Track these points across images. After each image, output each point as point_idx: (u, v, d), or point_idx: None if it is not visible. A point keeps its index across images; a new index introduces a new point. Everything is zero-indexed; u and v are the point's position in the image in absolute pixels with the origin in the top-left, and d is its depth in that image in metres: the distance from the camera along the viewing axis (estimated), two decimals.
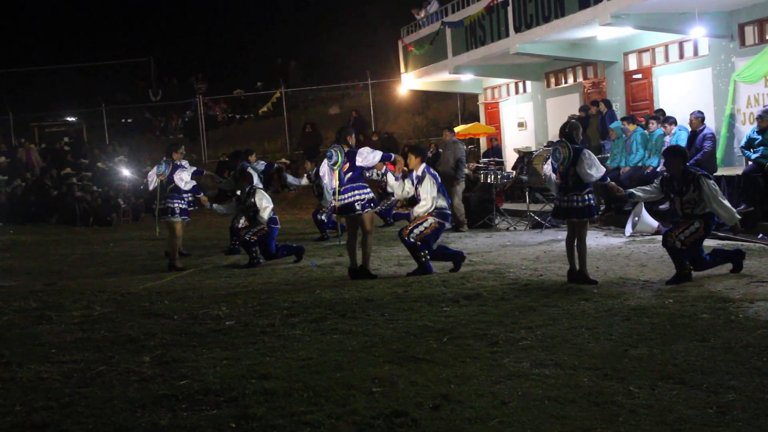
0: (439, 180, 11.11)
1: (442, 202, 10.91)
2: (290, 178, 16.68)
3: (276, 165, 16.91)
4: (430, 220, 10.78)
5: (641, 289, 8.87)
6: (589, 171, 9.33)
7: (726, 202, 9.09)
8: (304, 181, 16.57)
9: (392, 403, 5.27)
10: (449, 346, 6.76)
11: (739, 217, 9.22)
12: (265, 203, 12.69)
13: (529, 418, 4.92)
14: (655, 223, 13.41)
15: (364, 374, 5.97)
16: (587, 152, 9.46)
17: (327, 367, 6.25)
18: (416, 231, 10.76)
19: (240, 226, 14.20)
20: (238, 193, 13.25)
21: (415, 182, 10.98)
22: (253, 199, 12.70)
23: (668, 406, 4.99)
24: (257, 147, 27.79)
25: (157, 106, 37.12)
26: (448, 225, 11.20)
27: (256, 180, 13.36)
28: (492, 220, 16.69)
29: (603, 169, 9.56)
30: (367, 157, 10.66)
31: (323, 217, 16.31)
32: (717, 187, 9.09)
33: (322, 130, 29.27)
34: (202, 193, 13.65)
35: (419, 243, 10.77)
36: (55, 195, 25.59)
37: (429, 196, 10.77)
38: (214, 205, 14.02)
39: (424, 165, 10.99)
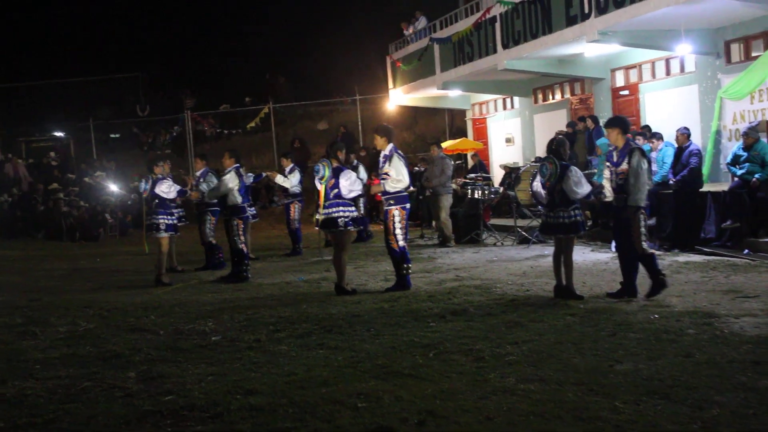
0: (407, 161, 11.12)
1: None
2: (279, 178, 16.56)
3: (264, 175, 16.87)
4: (395, 211, 10.79)
5: (627, 304, 8.89)
6: (575, 188, 9.37)
7: (643, 188, 9.01)
8: (288, 183, 16.42)
9: (377, 419, 5.26)
10: (435, 361, 6.76)
11: (641, 206, 9.05)
12: (224, 183, 12.62)
13: None
14: None
15: (350, 389, 5.96)
16: (574, 169, 9.49)
17: (313, 382, 6.24)
18: (399, 233, 10.77)
19: (211, 238, 14.30)
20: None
21: (382, 162, 10.96)
22: (225, 177, 12.72)
23: (653, 422, 5.00)
24: (245, 162, 27.60)
25: (145, 122, 37.06)
26: (407, 206, 11.04)
27: (235, 181, 13.03)
28: (479, 236, 16.71)
29: (588, 187, 9.59)
30: (347, 183, 10.65)
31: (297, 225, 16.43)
32: (646, 168, 9.06)
33: (311, 146, 29.26)
34: (188, 192, 13.66)
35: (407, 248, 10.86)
36: (42, 210, 25.50)
37: (400, 174, 10.74)
38: (202, 186, 14.07)
39: (391, 145, 10.94)
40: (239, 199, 12.77)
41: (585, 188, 9.49)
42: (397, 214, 10.77)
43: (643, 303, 8.88)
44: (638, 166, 8.99)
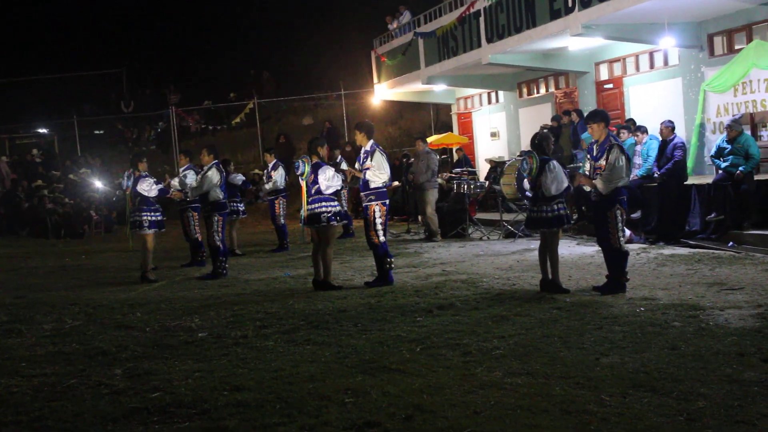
0: (388, 156, 11.15)
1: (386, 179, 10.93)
2: (266, 187, 16.59)
3: (252, 187, 16.86)
4: (376, 207, 10.79)
5: (613, 297, 8.91)
6: (549, 185, 9.37)
7: (612, 181, 8.98)
8: (270, 184, 16.43)
9: (365, 414, 5.26)
10: (422, 356, 6.76)
11: (604, 194, 9.06)
12: (208, 179, 12.57)
13: (501, 428, 4.93)
14: (627, 232, 13.47)
15: (337, 385, 5.96)
16: (553, 164, 9.47)
17: (300, 378, 6.23)
18: (379, 227, 10.77)
19: (197, 235, 14.27)
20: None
21: (363, 158, 10.98)
22: (207, 173, 12.67)
23: (639, 414, 5.02)
24: (231, 158, 27.68)
25: (130, 118, 36.91)
26: (387, 202, 11.02)
27: (217, 177, 12.95)
28: (465, 230, 16.73)
29: (564, 185, 9.53)
30: (324, 179, 10.65)
31: (282, 221, 16.44)
32: (624, 165, 9.02)
33: (296, 141, 29.23)
34: (170, 192, 13.56)
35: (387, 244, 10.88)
36: (26, 207, 25.38)
37: (381, 168, 10.78)
38: (175, 181, 13.99)
39: (371, 141, 10.99)
40: (221, 195, 12.73)
41: (560, 186, 9.46)
42: (377, 209, 10.79)
43: (629, 296, 8.91)
44: (615, 162, 8.99)
